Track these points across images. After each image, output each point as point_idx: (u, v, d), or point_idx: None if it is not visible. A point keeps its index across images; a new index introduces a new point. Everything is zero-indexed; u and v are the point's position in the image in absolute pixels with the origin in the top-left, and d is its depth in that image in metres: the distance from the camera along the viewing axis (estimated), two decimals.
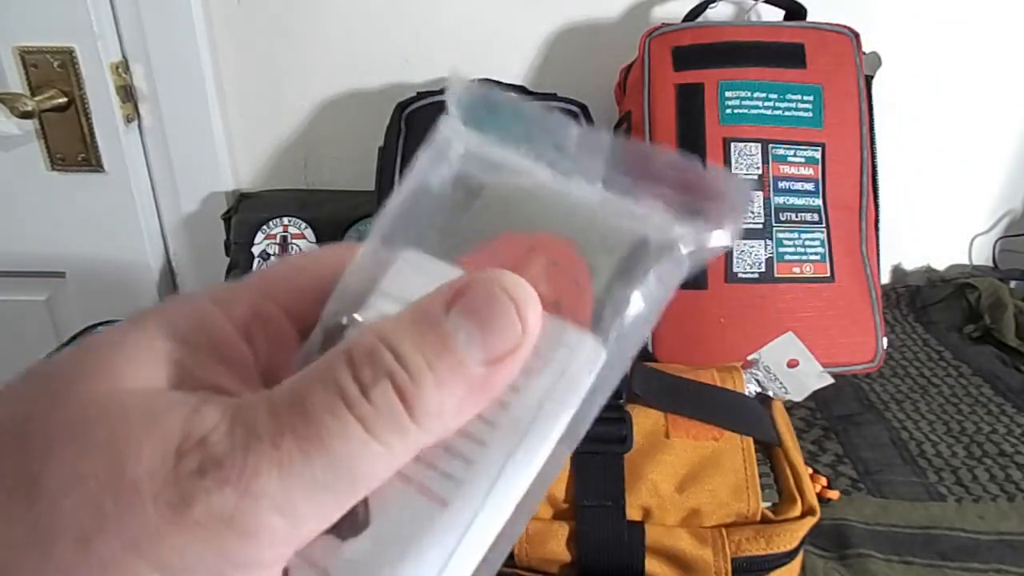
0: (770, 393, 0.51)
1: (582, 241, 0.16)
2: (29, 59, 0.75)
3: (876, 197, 0.71)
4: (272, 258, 0.79)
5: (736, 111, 0.67)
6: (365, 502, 0.15)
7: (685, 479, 0.41)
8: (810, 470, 0.46)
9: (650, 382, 0.46)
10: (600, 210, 0.16)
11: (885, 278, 0.91)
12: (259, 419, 0.14)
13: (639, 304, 0.16)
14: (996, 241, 0.92)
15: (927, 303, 0.84)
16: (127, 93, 0.80)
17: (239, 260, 0.79)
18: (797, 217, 0.67)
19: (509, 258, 0.16)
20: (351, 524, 0.15)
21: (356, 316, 0.17)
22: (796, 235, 0.67)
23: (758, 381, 0.52)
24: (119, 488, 0.13)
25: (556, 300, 0.15)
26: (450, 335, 0.14)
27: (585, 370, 0.15)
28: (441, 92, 0.73)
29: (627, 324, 0.16)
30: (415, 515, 0.15)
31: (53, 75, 0.76)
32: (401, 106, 0.71)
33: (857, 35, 0.70)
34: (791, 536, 0.39)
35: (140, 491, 0.13)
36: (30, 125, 0.78)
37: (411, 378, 0.14)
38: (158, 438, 0.13)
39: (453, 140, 0.18)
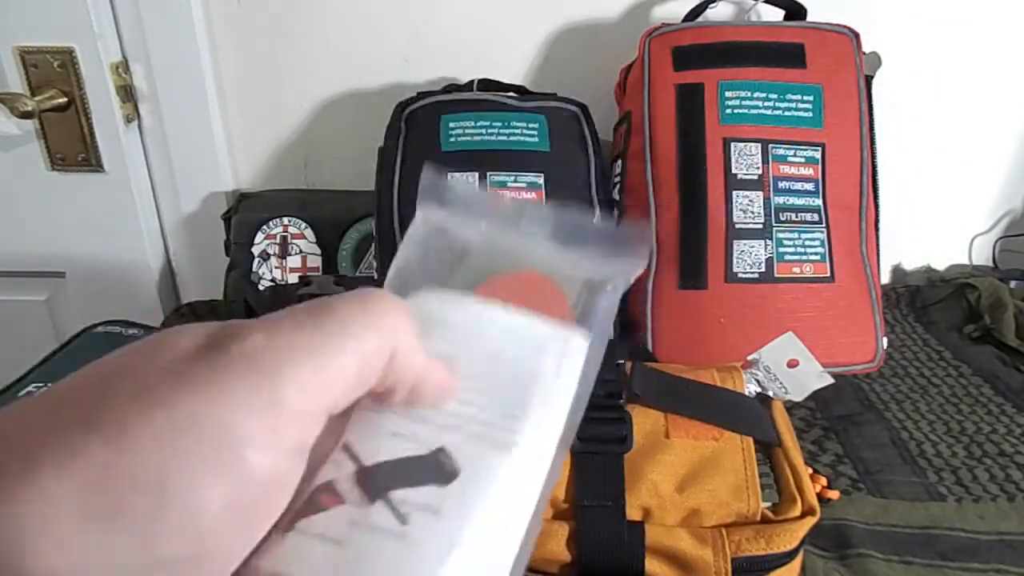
0: (770, 393, 0.51)
1: (553, 276, 0.24)
2: (29, 59, 0.75)
3: (876, 197, 0.71)
4: (272, 258, 0.79)
5: (736, 111, 0.67)
6: (451, 458, 0.19)
7: (685, 479, 0.41)
8: (810, 470, 0.46)
9: (650, 382, 0.46)
10: (556, 258, 0.24)
11: (885, 278, 0.91)
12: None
13: (599, 311, 0.23)
14: (996, 241, 0.92)
15: (927, 303, 0.84)
16: (127, 93, 0.80)
17: (239, 260, 0.79)
18: (797, 217, 0.67)
19: (509, 287, 0.23)
20: (445, 473, 0.19)
21: None
22: (796, 235, 0.67)
23: (758, 381, 0.52)
24: (173, 352, 0.16)
25: (545, 311, 0.22)
26: None
27: (578, 351, 0.22)
28: (441, 92, 0.73)
29: (594, 325, 0.23)
30: (493, 459, 0.19)
31: (53, 75, 0.76)
32: (401, 106, 0.71)
33: (857, 35, 0.70)
34: (791, 536, 0.39)
35: (186, 349, 0.16)
36: (30, 125, 0.78)
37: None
38: (193, 332, 0.17)
39: (435, 220, 0.24)
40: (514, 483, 0.20)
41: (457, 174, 0.67)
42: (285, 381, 0.16)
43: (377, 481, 0.19)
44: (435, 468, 0.19)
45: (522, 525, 0.20)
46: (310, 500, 0.19)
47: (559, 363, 0.22)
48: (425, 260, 0.24)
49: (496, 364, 0.21)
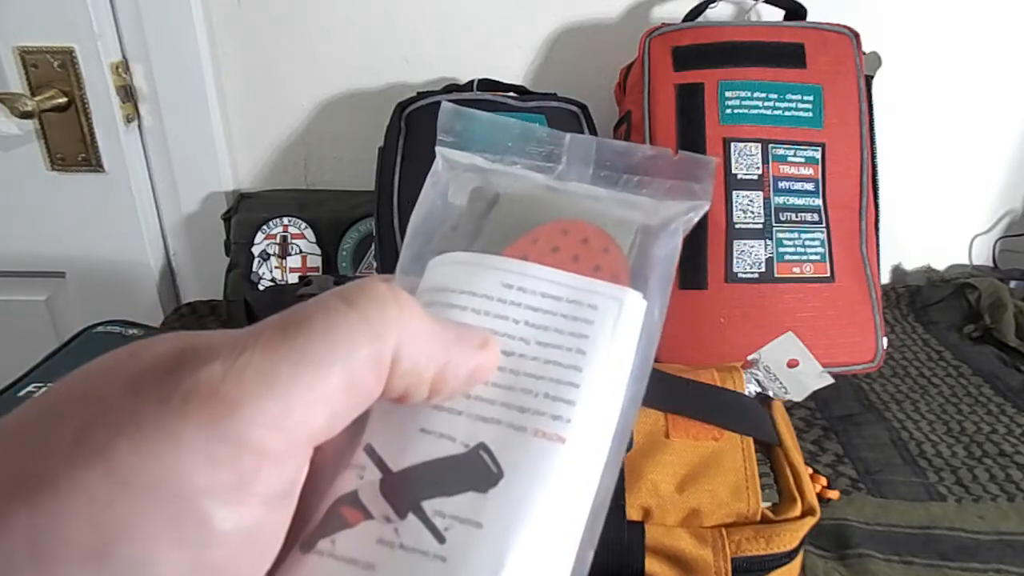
0: (770, 393, 0.51)
1: (601, 223, 0.20)
2: (29, 59, 0.75)
3: (876, 197, 0.71)
4: (272, 258, 0.79)
5: (736, 111, 0.67)
6: (492, 455, 0.16)
7: (685, 479, 0.41)
8: (810, 470, 0.46)
9: (650, 382, 0.46)
10: (603, 201, 0.20)
11: (885, 278, 0.91)
12: (248, 330, 0.15)
13: (659, 263, 0.19)
14: (996, 241, 0.92)
15: (927, 303, 0.84)
16: (127, 93, 0.80)
17: (239, 260, 0.79)
18: (797, 217, 0.67)
19: (549, 241, 0.19)
20: (486, 476, 0.16)
21: None
22: (796, 235, 0.67)
23: (758, 381, 0.52)
24: (117, 386, 0.14)
25: (595, 266, 0.19)
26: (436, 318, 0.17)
27: (635, 313, 0.19)
28: (442, 92, 0.73)
29: (652, 280, 0.19)
30: (540, 455, 0.16)
31: (53, 75, 0.76)
32: (401, 106, 0.71)
33: (857, 35, 0.70)
34: (791, 536, 0.39)
35: (136, 383, 0.14)
36: (30, 125, 0.78)
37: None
38: (160, 347, 0.15)
39: (455, 162, 0.20)
40: (567, 482, 0.17)
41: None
42: (249, 420, 0.13)
43: (408, 490, 0.16)
44: (474, 470, 0.16)
45: (577, 531, 0.17)
46: (331, 514, 0.16)
47: (614, 329, 0.18)
48: (446, 214, 0.20)
49: (538, 336, 0.18)
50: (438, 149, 0.21)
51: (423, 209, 0.21)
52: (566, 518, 0.16)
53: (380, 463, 0.17)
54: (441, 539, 0.16)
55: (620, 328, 0.18)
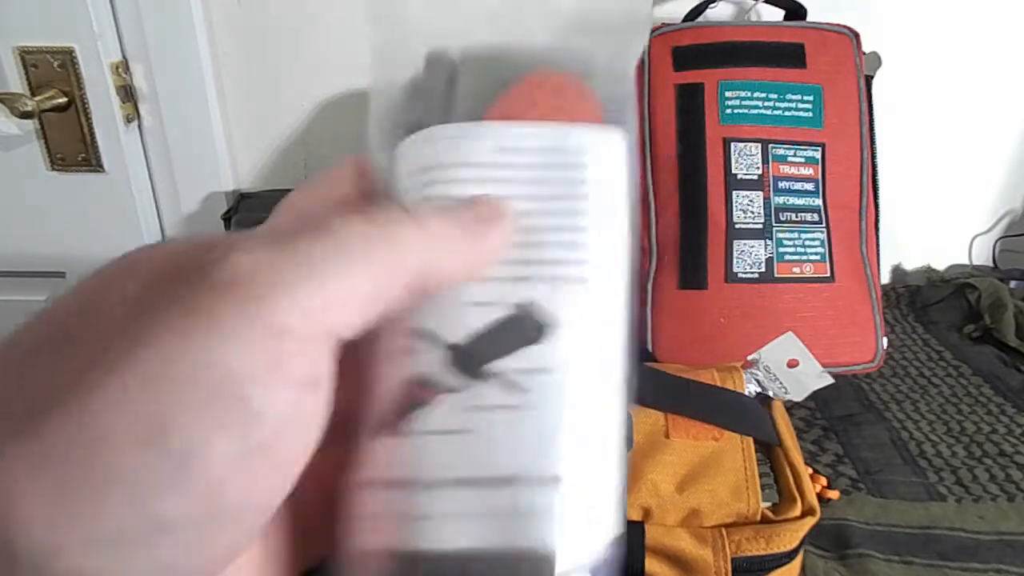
0: (770, 393, 0.51)
1: (566, 68, 0.20)
2: (29, 59, 0.75)
3: (876, 197, 0.71)
4: None
5: (736, 111, 0.67)
6: (536, 309, 0.18)
7: (685, 479, 0.41)
8: (810, 470, 0.46)
9: (650, 382, 0.46)
10: (559, 51, 0.21)
11: (885, 278, 0.91)
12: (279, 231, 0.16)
13: (624, 96, 0.20)
14: (996, 241, 0.92)
15: (927, 303, 0.84)
16: (127, 93, 0.80)
17: None
18: (797, 217, 0.67)
19: (526, 98, 0.20)
20: (538, 328, 0.18)
21: None
22: (796, 235, 0.67)
23: (758, 381, 0.52)
24: (156, 276, 0.15)
25: (574, 114, 0.20)
26: (445, 206, 0.18)
27: (620, 149, 0.20)
28: None
29: (624, 113, 0.20)
30: (575, 298, 0.18)
31: (53, 75, 0.76)
32: None
33: (857, 35, 0.70)
34: (791, 536, 0.39)
35: (171, 273, 0.14)
36: (30, 125, 0.78)
37: (419, 208, 0.17)
38: (185, 243, 0.16)
39: (392, 23, 0.21)
40: (603, 315, 0.18)
41: None
42: (282, 308, 0.13)
43: (472, 358, 0.17)
44: (526, 326, 0.18)
45: (621, 354, 0.19)
46: (405, 397, 0.17)
47: (606, 168, 0.19)
48: (414, 90, 0.21)
49: (541, 191, 0.19)
50: (371, 16, 0.21)
51: (383, 83, 0.21)
52: (609, 341, 0.18)
53: (437, 340, 0.18)
54: (515, 392, 0.17)
55: (610, 165, 0.19)
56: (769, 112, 0.67)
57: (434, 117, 0.20)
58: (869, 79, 0.71)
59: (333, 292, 0.14)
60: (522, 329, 0.18)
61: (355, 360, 0.17)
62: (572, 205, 0.19)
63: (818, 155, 0.68)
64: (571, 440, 0.17)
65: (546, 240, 0.18)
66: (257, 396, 0.13)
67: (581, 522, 0.17)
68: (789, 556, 0.39)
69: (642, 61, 0.70)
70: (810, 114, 0.68)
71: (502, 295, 0.18)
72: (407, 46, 0.21)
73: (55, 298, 0.15)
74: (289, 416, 0.14)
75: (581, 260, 0.18)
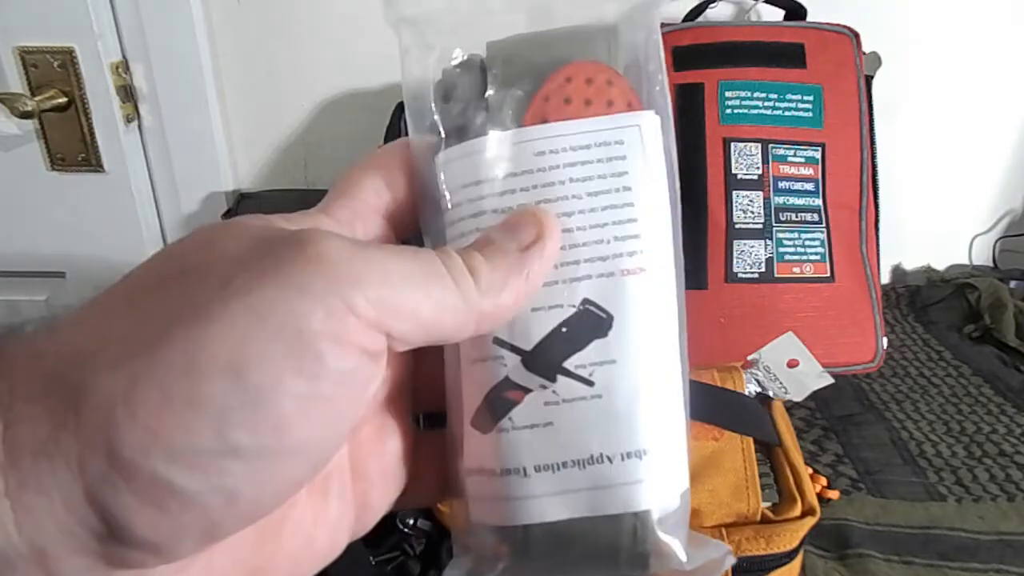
0: (770, 393, 0.51)
1: (593, 57, 0.21)
2: (29, 59, 0.75)
3: (876, 197, 0.71)
4: None
5: (736, 111, 0.67)
6: (597, 305, 0.19)
7: None
8: (810, 470, 0.46)
9: None
10: (574, 37, 0.21)
11: (885, 278, 0.91)
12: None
13: (653, 75, 0.21)
14: (996, 241, 0.92)
15: (927, 303, 0.84)
16: (127, 93, 0.80)
17: None
18: (797, 217, 0.67)
19: (558, 95, 0.21)
20: (601, 323, 0.19)
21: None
22: (796, 235, 0.67)
23: (758, 381, 0.52)
24: (252, 244, 0.17)
25: (608, 101, 0.20)
26: (493, 237, 0.19)
27: (655, 131, 0.20)
28: None
29: (654, 93, 0.21)
30: (633, 289, 0.20)
31: (53, 75, 0.76)
32: (401, 106, 0.71)
33: (857, 35, 0.70)
34: (791, 536, 0.39)
35: (269, 242, 0.17)
36: (30, 125, 0.78)
37: (468, 254, 0.19)
38: (293, 223, 0.19)
39: (421, 28, 0.22)
40: (658, 302, 0.20)
41: None
42: (363, 293, 0.16)
43: (547, 359, 0.20)
44: (589, 323, 0.20)
45: (675, 335, 0.21)
46: (496, 400, 0.20)
47: (644, 153, 0.20)
48: (449, 92, 0.22)
49: (585, 188, 0.20)
50: (391, 21, 0.22)
51: (415, 85, 0.22)
52: (667, 325, 0.20)
53: (514, 348, 0.20)
54: (590, 383, 0.19)
55: (648, 150, 0.20)
56: (769, 112, 0.67)
57: (471, 121, 0.21)
58: (869, 79, 0.71)
59: (399, 303, 0.17)
60: (588, 325, 0.20)
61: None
62: (618, 197, 0.20)
63: (818, 155, 0.68)
64: (644, 417, 0.20)
65: (599, 238, 0.20)
66: (327, 352, 0.16)
67: (663, 482, 0.20)
68: (789, 556, 0.39)
69: None
70: (810, 114, 0.68)
71: (566, 297, 0.20)
72: (433, 43, 0.22)
73: (164, 249, 0.18)
74: (349, 376, 0.16)
75: (634, 251, 0.20)
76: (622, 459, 0.20)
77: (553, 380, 0.20)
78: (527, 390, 0.20)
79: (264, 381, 0.15)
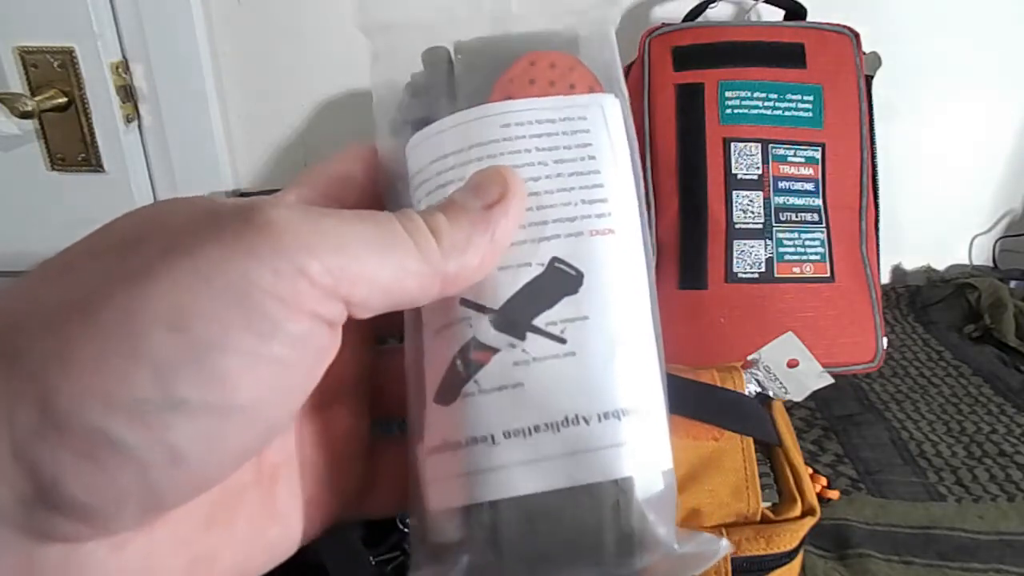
0: (770, 393, 0.51)
1: (555, 47, 0.22)
2: (29, 59, 0.75)
3: (876, 197, 0.71)
4: None
5: (736, 111, 0.67)
6: (566, 263, 0.19)
7: (685, 479, 0.41)
8: (810, 470, 0.46)
9: None
10: (541, 33, 0.22)
11: (885, 278, 0.91)
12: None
13: (610, 65, 0.22)
14: (996, 241, 0.92)
15: (927, 303, 0.84)
16: (127, 93, 0.80)
17: None
18: (797, 217, 0.67)
19: (523, 76, 0.21)
20: (571, 280, 0.19)
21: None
22: (796, 235, 0.67)
23: (758, 381, 0.52)
24: (197, 215, 0.16)
25: (570, 84, 0.21)
26: (456, 197, 0.19)
27: (616, 112, 0.21)
28: None
29: (612, 80, 0.22)
30: (602, 249, 0.19)
31: (53, 75, 0.76)
32: None
33: (857, 35, 0.70)
34: (791, 536, 0.39)
35: (216, 212, 0.16)
36: (30, 125, 0.78)
37: (429, 215, 0.18)
38: (244, 200, 0.17)
39: (390, 30, 0.23)
40: (629, 261, 0.20)
41: None
42: (314, 258, 0.15)
43: (516, 317, 0.19)
44: (559, 280, 0.19)
45: (647, 297, 0.20)
46: (460, 363, 0.19)
47: (607, 130, 0.21)
48: (417, 88, 0.22)
49: (551, 156, 0.20)
50: (362, 27, 0.23)
51: (384, 85, 0.23)
52: (638, 285, 0.20)
53: (481, 308, 0.19)
54: (562, 340, 0.19)
55: (611, 127, 0.21)
56: (769, 112, 0.67)
57: (438, 110, 0.21)
58: (869, 79, 0.71)
59: (357, 269, 0.16)
60: (558, 283, 0.19)
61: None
62: (583, 167, 0.20)
63: (818, 155, 0.68)
64: (621, 375, 0.19)
65: (567, 200, 0.20)
66: (275, 311, 0.15)
67: (645, 450, 0.19)
68: (789, 556, 0.39)
69: (642, 61, 0.70)
70: (810, 114, 0.68)
71: (534, 255, 0.19)
72: (403, 47, 0.22)
73: (105, 224, 0.17)
74: (303, 341, 0.16)
75: (602, 213, 0.20)
76: (599, 420, 0.18)
77: (522, 338, 0.19)
78: (495, 350, 0.19)
79: (210, 335, 0.15)
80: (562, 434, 0.18)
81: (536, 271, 0.19)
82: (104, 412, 0.14)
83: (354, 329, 0.18)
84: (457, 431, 0.19)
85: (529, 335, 0.19)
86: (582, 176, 0.20)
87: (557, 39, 0.22)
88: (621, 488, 0.18)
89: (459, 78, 0.22)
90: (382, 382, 0.23)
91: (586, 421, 0.18)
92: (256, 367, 0.15)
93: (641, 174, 0.21)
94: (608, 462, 0.18)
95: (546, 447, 0.18)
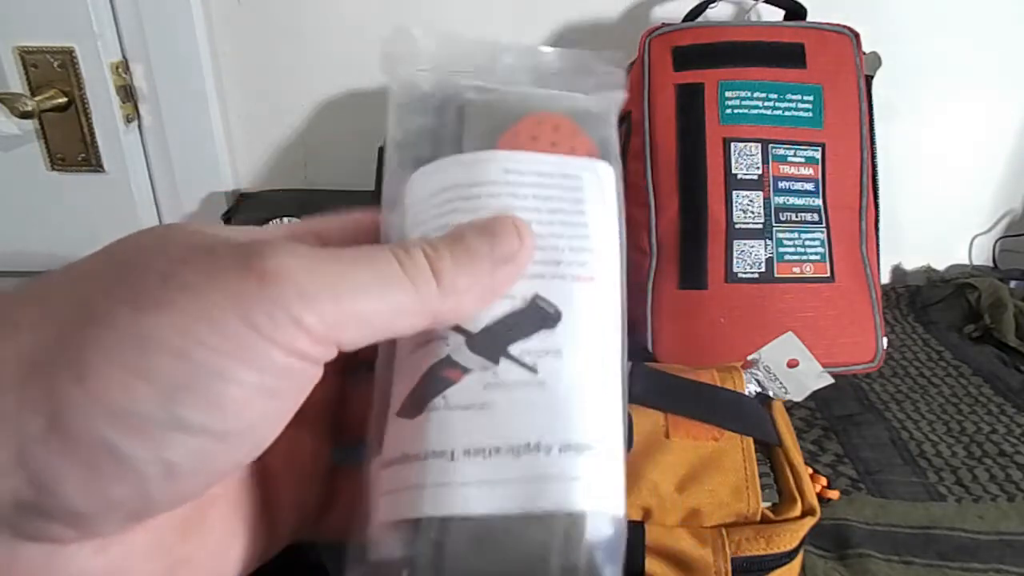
0: (770, 393, 0.51)
1: (562, 112, 0.23)
2: (29, 59, 0.75)
3: (876, 197, 0.71)
4: None
5: (736, 111, 0.67)
6: (547, 301, 0.20)
7: (685, 479, 0.41)
8: (810, 470, 0.46)
9: (650, 382, 0.46)
10: (549, 98, 0.24)
11: (885, 278, 0.91)
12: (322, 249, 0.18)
13: (610, 141, 0.24)
14: (996, 241, 0.92)
15: (927, 303, 0.84)
16: (127, 93, 0.80)
17: None
18: (797, 217, 0.67)
19: (528, 133, 0.23)
20: (549, 317, 0.20)
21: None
22: (796, 235, 0.67)
23: (758, 381, 0.52)
24: (192, 249, 0.17)
25: (571, 148, 0.23)
26: (467, 238, 0.20)
27: (610, 178, 0.23)
28: None
29: (610, 153, 0.23)
30: (582, 293, 0.21)
31: (53, 75, 0.76)
32: None
33: (857, 35, 0.70)
34: (791, 536, 0.39)
35: (212, 249, 0.17)
36: (30, 125, 0.78)
37: (435, 251, 0.19)
38: (228, 229, 0.18)
39: (410, 84, 0.24)
40: (605, 307, 0.21)
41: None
42: (309, 310, 0.16)
43: (492, 343, 0.20)
44: (538, 315, 0.20)
45: (619, 341, 0.21)
46: (431, 380, 0.19)
47: (600, 193, 0.22)
48: (425, 130, 0.23)
49: (546, 205, 0.21)
50: (386, 71, 0.24)
51: (396, 124, 0.24)
52: (612, 333, 0.21)
53: (460, 330, 0.20)
54: (534, 370, 0.19)
55: (603, 191, 0.22)
56: (769, 112, 0.67)
57: (444, 152, 0.23)
58: (869, 79, 0.71)
59: (351, 315, 0.17)
60: (537, 318, 0.20)
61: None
62: (574, 219, 0.22)
63: (818, 155, 0.68)
64: (586, 411, 0.19)
65: (555, 246, 0.21)
66: (271, 351, 0.16)
67: (600, 489, 0.19)
68: (789, 556, 0.39)
69: (642, 61, 0.70)
70: (810, 114, 0.68)
71: (518, 290, 0.20)
72: (418, 92, 0.24)
73: (113, 243, 0.18)
74: (293, 375, 0.17)
75: (585, 262, 0.21)
76: (560, 451, 0.19)
77: (496, 362, 0.19)
78: (467, 370, 0.19)
79: (214, 366, 0.16)
80: (521, 459, 0.18)
81: (518, 304, 0.20)
82: (110, 425, 0.15)
83: (331, 359, 0.19)
84: (418, 444, 0.19)
85: (503, 360, 0.19)
86: (572, 227, 0.21)
87: (565, 105, 0.24)
88: (572, 521, 0.18)
89: (468, 124, 0.23)
90: (347, 408, 0.24)
91: (547, 450, 0.18)
92: (252, 397, 0.16)
93: (625, 235, 0.23)
94: (563, 493, 0.18)
95: (504, 470, 0.18)
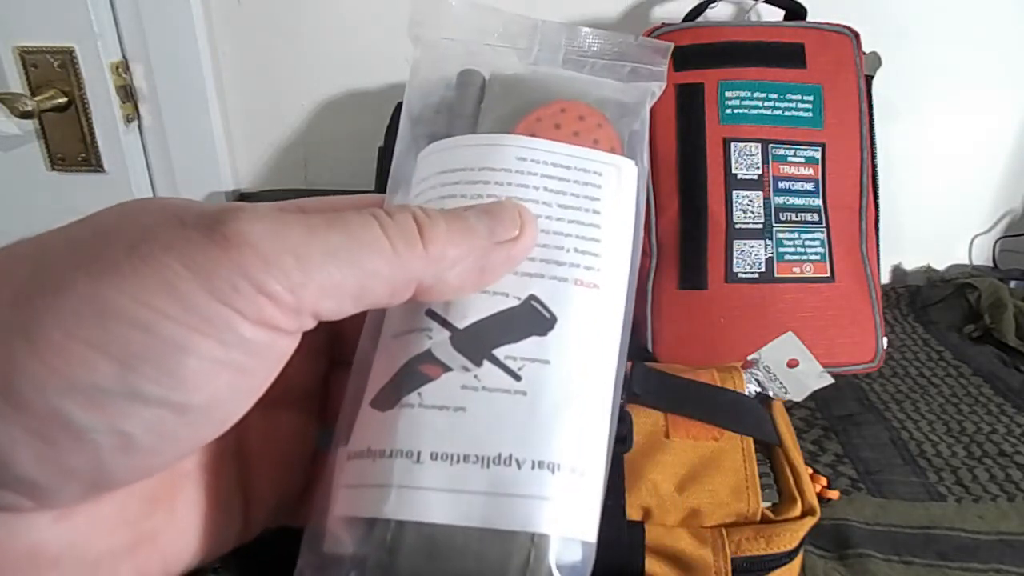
0: (770, 393, 0.51)
1: (590, 101, 0.22)
2: (29, 59, 0.75)
3: (876, 197, 0.71)
4: None
5: (736, 111, 0.67)
6: (544, 304, 0.19)
7: (685, 479, 0.41)
8: (810, 470, 0.46)
9: (650, 382, 0.46)
10: (580, 83, 0.22)
11: (885, 278, 0.91)
12: (296, 214, 0.17)
13: (638, 135, 0.22)
14: (996, 241, 0.92)
15: (927, 303, 0.84)
16: (127, 93, 0.80)
17: None
18: (797, 217, 0.67)
19: (551, 119, 0.21)
20: (543, 322, 0.19)
21: None
22: (796, 235, 0.67)
23: (758, 381, 0.52)
24: (165, 218, 0.16)
25: (594, 139, 0.21)
26: (467, 216, 0.18)
27: (632, 178, 0.21)
28: None
29: (636, 149, 0.22)
30: (582, 300, 0.19)
31: (53, 75, 0.76)
32: (400, 106, 0.71)
33: (857, 35, 0.70)
34: (791, 536, 0.39)
35: (182, 219, 0.16)
36: (30, 125, 0.78)
37: (428, 217, 0.18)
38: (202, 204, 0.17)
39: (434, 47, 0.22)
40: (605, 319, 0.19)
41: None
42: (274, 277, 0.16)
43: (478, 342, 0.18)
44: (532, 319, 0.19)
45: (615, 356, 0.20)
46: (408, 373, 0.18)
47: (618, 192, 0.21)
48: (443, 104, 0.22)
49: (557, 199, 0.20)
50: (413, 37, 0.22)
51: (416, 96, 0.22)
52: (609, 347, 0.19)
53: (446, 323, 0.19)
54: (517, 377, 0.18)
55: (622, 190, 0.21)
56: (769, 112, 0.67)
57: (458, 130, 0.21)
58: (869, 79, 0.71)
59: (320, 282, 0.16)
60: (529, 321, 0.19)
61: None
62: (585, 218, 0.20)
63: (818, 155, 0.68)
64: (566, 429, 0.18)
65: (560, 245, 0.19)
66: (236, 323, 0.16)
67: (570, 512, 0.17)
68: (789, 556, 0.39)
69: None
70: (810, 114, 0.68)
71: (513, 288, 0.19)
72: (444, 64, 0.22)
73: (94, 213, 0.18)
74: (262, 349, 0.16)
75: (592, 267, 0.19)
76: (531, 467, 0.17)
77: (478, 364, 0.18)
78: (447, 368, 0.18)
79: (174, 337, 0.15)
80: (490, 471, 0.17)
81: (511, 303, 0.19)
82: (64, 394, 0.14)
83: (311, 337, 0.18)
84: (384, 440, 0.18)
85: (486, 363, 0.18)
86: (582, 226, 0.20)
87: (594, 94, 0.22)
88: (535, 544, 0.17)
89: (487, 105, 0.22)
90: (335, 390, 0.23)
91: (518, 464, 0.17)
92: (215, 371, 0.16)
93: (641, 244, 0.21)
94: (528, 513, 0.17)
95: (470, 480, 0.17)
